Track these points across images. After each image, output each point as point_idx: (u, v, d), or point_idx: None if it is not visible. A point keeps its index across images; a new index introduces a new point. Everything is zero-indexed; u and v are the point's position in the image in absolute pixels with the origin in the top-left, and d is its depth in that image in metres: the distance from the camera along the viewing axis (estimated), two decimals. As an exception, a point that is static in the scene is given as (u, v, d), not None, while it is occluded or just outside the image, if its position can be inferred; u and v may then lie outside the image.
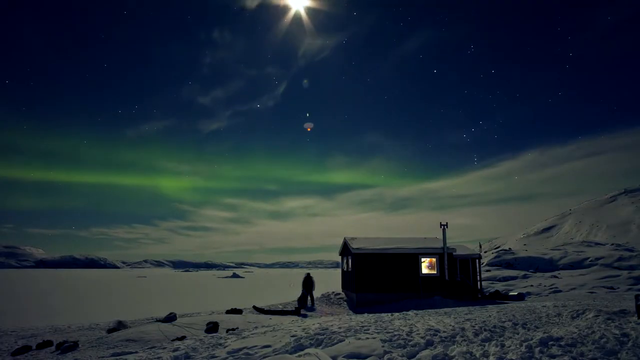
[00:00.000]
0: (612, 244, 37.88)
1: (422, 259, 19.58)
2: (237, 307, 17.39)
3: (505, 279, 28.84)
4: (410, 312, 11.41)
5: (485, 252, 42.54)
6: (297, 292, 21.03)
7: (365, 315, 10.80)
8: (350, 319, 9.68)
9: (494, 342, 6.23)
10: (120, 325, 12.49)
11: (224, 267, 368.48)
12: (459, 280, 19.69)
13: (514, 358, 5.35)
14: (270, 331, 8.33)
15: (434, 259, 19.60)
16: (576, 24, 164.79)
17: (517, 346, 5.88)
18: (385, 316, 9.93)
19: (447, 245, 19.58)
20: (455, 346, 6.09)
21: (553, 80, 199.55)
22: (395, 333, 6.98)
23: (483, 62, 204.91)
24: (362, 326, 7.91)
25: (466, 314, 10.23)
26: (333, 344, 6.51)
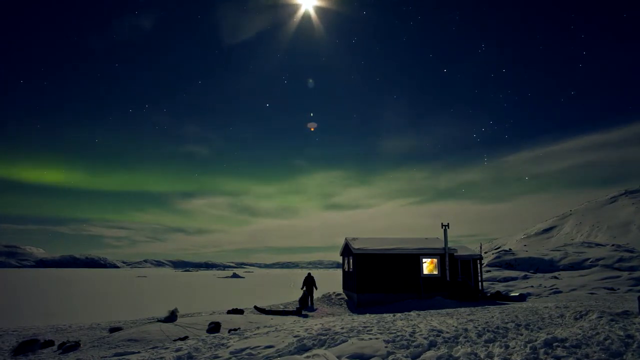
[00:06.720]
0: (613, 245, 37.84)
1: (424, 260, 19.56)
2: (238, 307, 17.36)
3: (505, 279, 28.82)
4: (412, 313, 11.40)
5: (485, 252, 42.53)
6: (298, 292, 21.02)
7: (367, 315, 10.79)
8: (353, 319, 9.67)
9: (497, 343, 6.21)
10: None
11: (224, 267, 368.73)
12: (460, 280, 19.65)
13: (518, 359, 5.33)
14: (273, 331, 8.31)
15: (435, 260, 19.58)
16: (590, 22, 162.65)
17: (522, 347, 5.86)
18: (388, 317, 9.92)
19: (449, 245, 19.56)
20: (459, 347, 6.07)
21: (565, 79, 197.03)
22: (398, 334, 6.96)
23: (494, 62, 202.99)
24: (365, 327, 7.89)
25: (468, 314, 10.22)
26: (336, 345, 6.50)
